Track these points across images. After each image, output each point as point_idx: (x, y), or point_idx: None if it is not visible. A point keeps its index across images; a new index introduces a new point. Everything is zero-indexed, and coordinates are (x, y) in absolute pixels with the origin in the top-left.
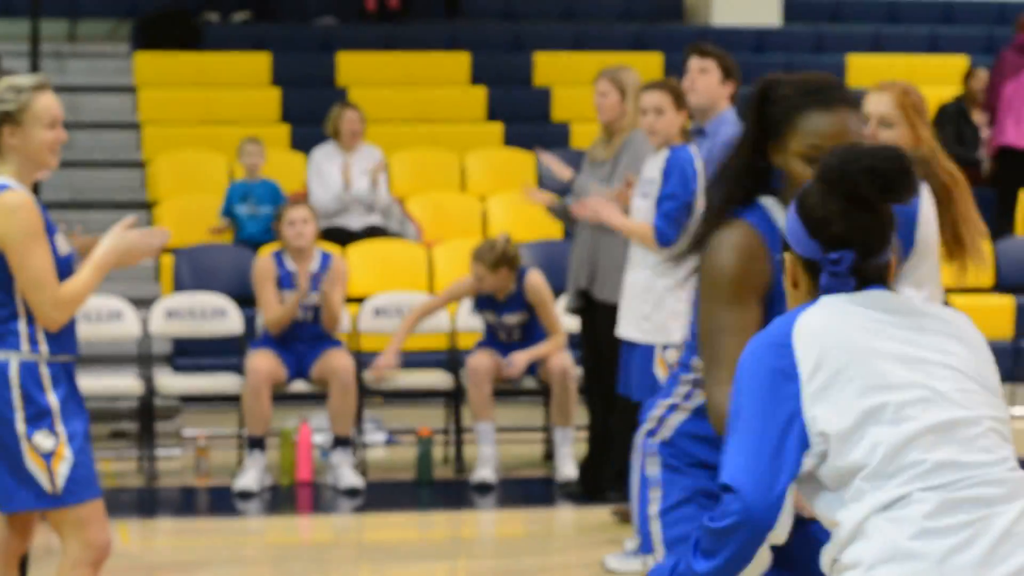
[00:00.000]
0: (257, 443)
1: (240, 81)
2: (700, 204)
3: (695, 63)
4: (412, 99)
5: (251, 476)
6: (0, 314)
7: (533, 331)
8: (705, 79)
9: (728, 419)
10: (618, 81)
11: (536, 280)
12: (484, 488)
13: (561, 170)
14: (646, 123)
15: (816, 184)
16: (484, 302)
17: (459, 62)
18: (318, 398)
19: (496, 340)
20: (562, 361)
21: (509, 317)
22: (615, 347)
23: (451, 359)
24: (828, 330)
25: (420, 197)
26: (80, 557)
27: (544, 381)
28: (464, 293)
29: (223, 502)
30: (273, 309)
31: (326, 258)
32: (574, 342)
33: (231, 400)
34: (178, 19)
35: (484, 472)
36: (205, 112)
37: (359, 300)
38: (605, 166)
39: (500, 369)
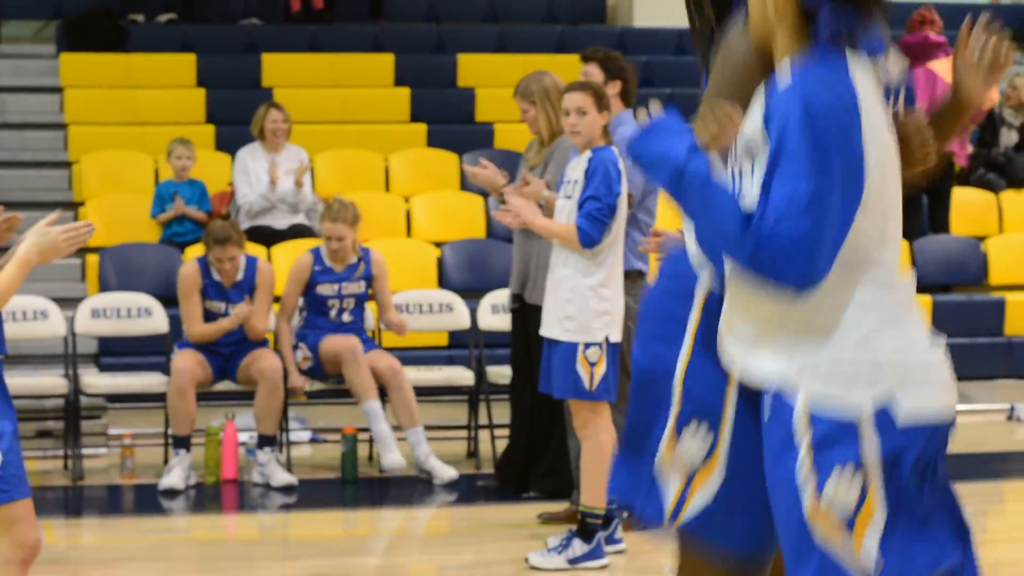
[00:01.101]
0: (182, 442)
1: (165, 82)
2: (623, 205)
3: (582, 70)
4: (337, 100)
5: (176, 475)
6: None
7: (359, 310)
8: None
9: None
10: (528, 94)
11: (378, 256)
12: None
13: (493, 180)
14: (568, 124)
15: None
16: (322, 275)
17: (383, 64)
18: (243, 396)
19: (324, 317)
20: (391, 361)
21: (349, 286)
22: None
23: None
24: None
25: (345, 197)
26: (10, 556)
27: (243, 382)
28: (303, 274)
29: (149, 501)
30: (196, 323)
31: (251, 264)
32: (503, 341)
33: (157, 399)
34: (104, 20)
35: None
36: (131, 113)
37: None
38: (536, 170)
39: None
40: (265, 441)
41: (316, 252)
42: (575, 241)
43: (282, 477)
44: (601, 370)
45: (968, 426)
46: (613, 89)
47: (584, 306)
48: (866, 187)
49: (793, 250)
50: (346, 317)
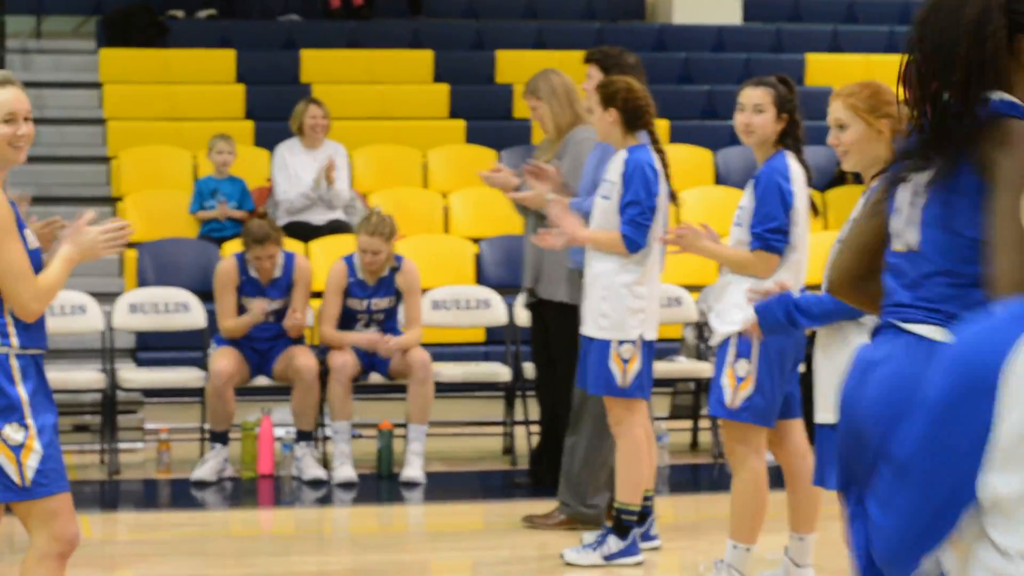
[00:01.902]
0: (219, 437)
1: (205, 78)
2: (663, 204)
3: (590, 73)
4: (375, 96)
5: (209, 467)
6: None
7: (391, 322)
8: (591, 85)
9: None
10: (536, 92)
11: (412, 267)
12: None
13: (507, 181)
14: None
15: None
16: (354, 288)
17: (422, 60)
18: (280, 391)
19: (353, 328)
20: (423, 355)
21: (378, 301)
22: (562, 342)
23: None
24: None
25: (383, 193)
26: (47, 549)
27: (396, 376)
28: (340, 281)
29: (185, 495)
30: (229, 318)
31: (289, 261)
32: (525, 338)
33: (193, 394)
34: (143, 16)
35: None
36: (170, 108)
37: (319, 295)
38: (550, 165)
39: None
40: (302, 436)
41: (349, 262)
42: (622, 248)
43: (313, 471)
44: (635, 367)
45: None
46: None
47: (618, 303)
48: None
49: None
50: (373, 328)
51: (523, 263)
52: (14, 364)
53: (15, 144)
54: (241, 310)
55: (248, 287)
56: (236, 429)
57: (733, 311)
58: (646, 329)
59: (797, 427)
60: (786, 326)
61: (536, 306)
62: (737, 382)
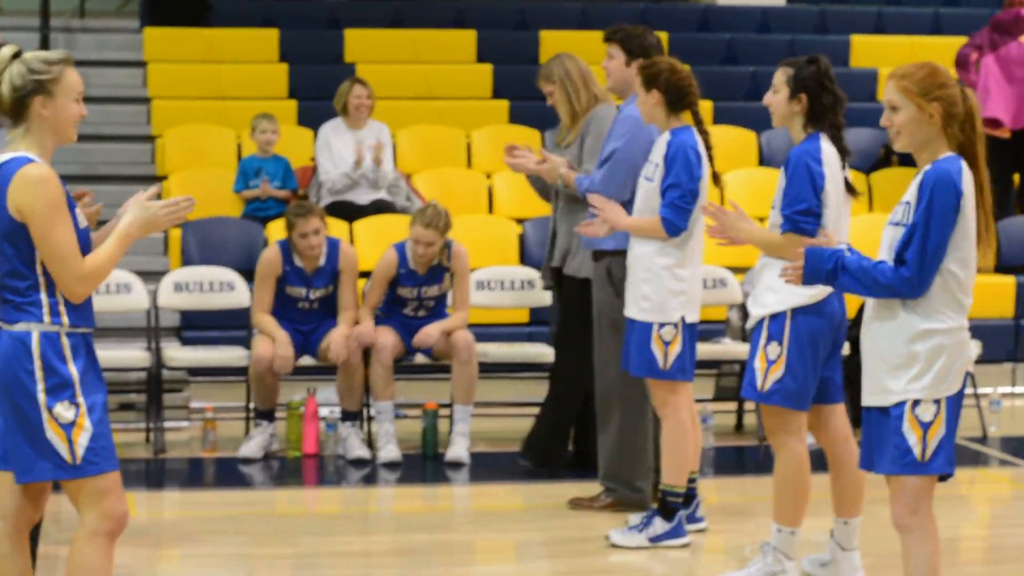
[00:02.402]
0: (265, 415)
1: (248, 57)
2: (704, 188)
3: (610, 53)
4: (419, 76)
5: (255, 443)
6: (21, 285)
7: (441, 307)
8: (612, 64)
9: None
10: (549, 77)
11: (462, 252)
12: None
13: (528, 164)
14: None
15: None
16: (403, 278)
17: (466, 40)
18: (325, 371)
19: (402, 314)
20: (467, 336)
21: (429, 289)
22: (579, 320)
23: None
24: None
25: (426, 173)
26: (97, 527)
27: (441, 357)
28: (389, 271)
29: (230, 474)
30: (265, 310)
31: (333, 249)
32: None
33: (238, 373)
34: None
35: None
36: (214, 87)
37: (366, 274)
38: (572, 147)
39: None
40: (347, 416)
41: (401, 252)
42: (662, 232)
43: (358, 451)
44: (676, 349)
45: None
46: (636, 68)
47: (659, 286)
48: None
49: None
50: (422, 313)
51: (549, 243)
52: (65, 342)
53: (78, 123)
54: (281, 299)
55: (292, 277)
56: (281, 408)
57: (767, 294)
58: (688, 311)
59: (838, 412)
60: (827, 278)
61: (557, 287)
62: (768, 365)
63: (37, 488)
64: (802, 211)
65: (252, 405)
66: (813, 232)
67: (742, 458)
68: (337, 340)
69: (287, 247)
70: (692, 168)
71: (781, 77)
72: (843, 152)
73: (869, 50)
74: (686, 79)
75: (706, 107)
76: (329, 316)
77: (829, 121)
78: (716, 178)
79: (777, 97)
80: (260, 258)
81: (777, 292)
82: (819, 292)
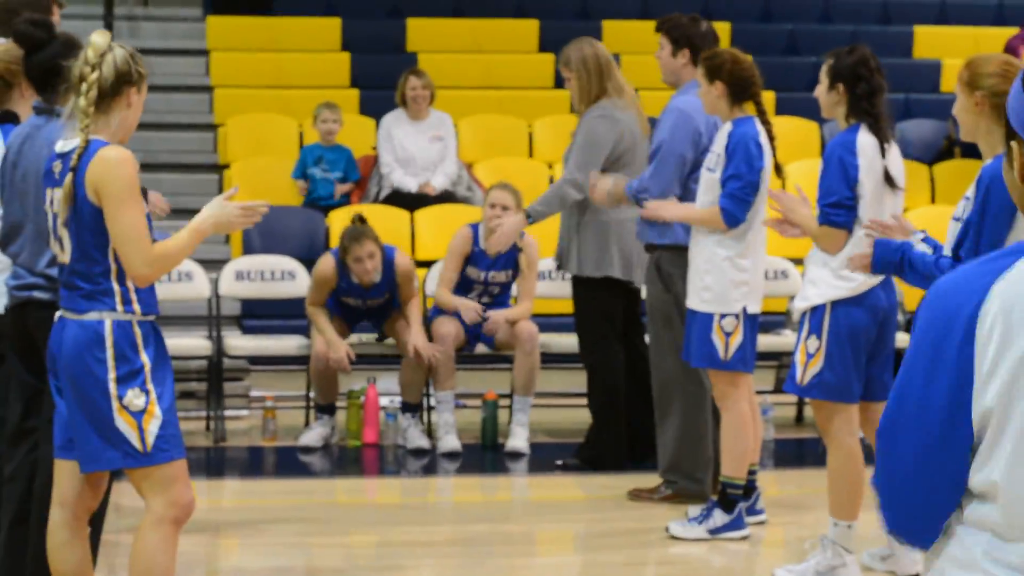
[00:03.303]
0: (326, 410)
1: (310, 46)
2: (766, 179)
3: (661, 43)
4: (481, 65)
5: (315, 433)
6: (94, 271)
7: (505, 296)
8: (662, 55)
9: None
10: (568, 63)
11: (532, 242)
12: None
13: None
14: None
15: None
16: (476, 257)
17: (528, 29)
18: (386, 360)
19: (466, 296)
20: (531, 327)
21: (496, 274)
22: (586, 316)
23: None
24: None
25: (488, 163)
26: (164, 515)
27: (502, 348)
28: (464, 247)
29: (290, 463)
30: (317, 306)
31: (389, 262)
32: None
33: (299, 362)
34: None
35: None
36: (276, 76)
37: (427, 264)
38: (570, 145)
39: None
40: (407, 408)
41: (475, 230)
42: (720, 223)
43: (420, 441)
44: (737, 340)
45: None
46: (683, 58)
47: (721, 277)
48: None
49: None
50: (486, 299)
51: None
52: (137, 331)
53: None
54: (341, 304)
55: (348, 290)
56: (342, 397)
57: (808, 287)
58: (749, 302)
59: (880, 410)
60: (895, 270)
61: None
62: (807, 358)
63: (96, 476)
64: (832, 203)
65: (313, 397)
66: (844, 224)
67: (802, 450)
68: (423, 345)
69: (341, 261)
70: (752, 159)
71: (824, 68)
72: (883, 140)
73: (932, 41)
74: (749, 70)
75: (768, 98)
76: (390, 310)
77: (866, 110)
78: (779, 169)
79: (820, 88)
80: (315, 267)
81: (817, 285)
82: (860, 284)
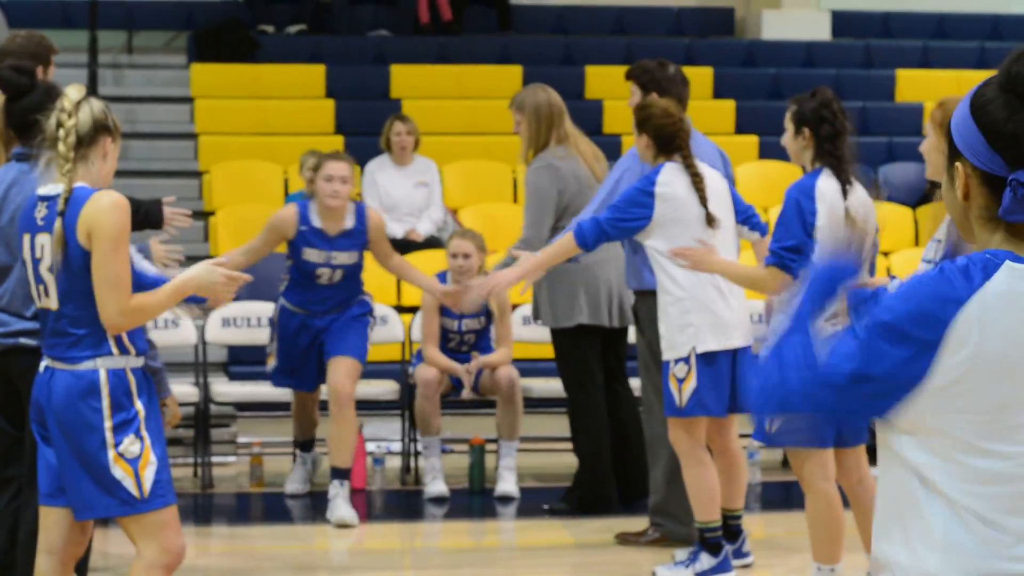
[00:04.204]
0: (303, 446)
1: (295, 93)
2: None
3: (631, 90)
4: (465, 111)
5: (297, 477)
6: (86, 316)
7: (483, 341)
8: (632, 101)
9: None
10: (521, 106)
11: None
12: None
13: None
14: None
15: (1000, 94)
16: (447, 309)
17: (511, 75)
18: (372, 407)
19: (445, 348)
20: (511, 372)
21: (469, 322)
22: (560, 366)
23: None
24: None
25: (473, 208)
26: (156, 561)
27: (485, 393)
28: (434, 300)
29: (278, 509)
30: (248, 255)
31: (360, 213)
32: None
33: (285, 408)
34: (234, 31)
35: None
36: (260, 123)
37: (413, 310)
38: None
39: (447, 381)
40: (337, 474)
41: (443, 278)
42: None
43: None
44: (690, 385)
45: None
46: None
47: (667, 322)
48: None
49: None
50: (464, 349)
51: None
52: (131, 378)
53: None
54: (303, 266)
55: (311, 237)
56: (325, 444)
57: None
58: (699, 342)
59: (852, 455)
60: None
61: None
62: None
63: (84, 523)
64: (790, 247)
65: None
66: (795, 271)
67: (789, 493)
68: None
69: (305, 206)
70: (627, 198)
71: (788, 115)
72: (845, 183)
73: (915, 84)
74: (675, 124)
75: (751, 142)
76: (348, 305)
77: (829, 152)
78: (711, 220)
79: (786, 136)
80: (274, 216)
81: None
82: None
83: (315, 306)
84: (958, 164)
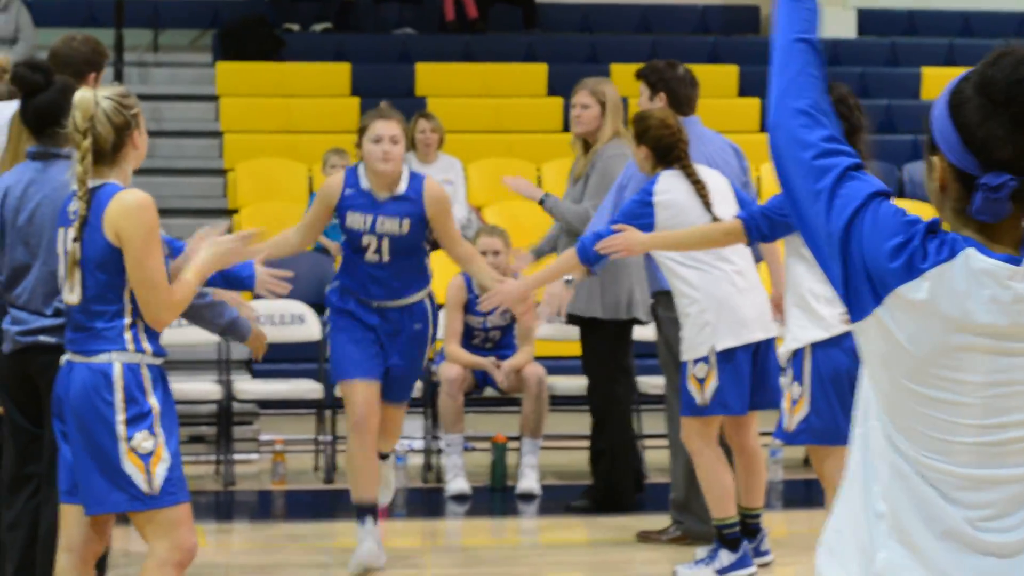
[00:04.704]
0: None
1: (320, 91)
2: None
3: (640, 90)
4: (490, 109)
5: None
6: (107, 311)
7: (507, 339)
8: (641, 100)
9: None
10: (599, 93)
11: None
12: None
13: (532, 191)
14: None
15: (975, 97)
16: (473, 304)
17: (536, 73)
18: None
19: (469, 345)
20: (538, 370)
21: (494, 319)
22: (584, 361)
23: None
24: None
25: (497, 207)
26: (167, 558)
27: (510, 391)
28: (459, 296)
29: (299, 506)
30: (302, 236)
31: (417, 182)
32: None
33: (308, 405)
34: (259, 29)
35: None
36: (285, 121)
37: (439, 308)
38: (580, 183)
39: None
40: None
41: (467, 278)
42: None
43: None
44: (712, 384)
45: None
46: (660, 102)
47: (687, 323)
48: None
49: None
50: (489, 345)
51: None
52: (146, 373)
53: None
54: (347, 232)
55: (357, 199)
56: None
57: (787, 333)
58: (718, 339)
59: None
60: None
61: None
62: (792, 404)
63: (103, 520)
64: (767, 215)
65: (320, 437)
66: (755, 239)
67: (810, 491)
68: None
69: (353, 171)
70: (631, 206)
71: None
72: None
73: (940, 82)
74: (674, 135)
75: None
76: (407, 303)
77: None
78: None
79: None
80: (324, 186)
81: (791, 330)
82: (836, 326)
83: (367, 290)
84: (935, 157)
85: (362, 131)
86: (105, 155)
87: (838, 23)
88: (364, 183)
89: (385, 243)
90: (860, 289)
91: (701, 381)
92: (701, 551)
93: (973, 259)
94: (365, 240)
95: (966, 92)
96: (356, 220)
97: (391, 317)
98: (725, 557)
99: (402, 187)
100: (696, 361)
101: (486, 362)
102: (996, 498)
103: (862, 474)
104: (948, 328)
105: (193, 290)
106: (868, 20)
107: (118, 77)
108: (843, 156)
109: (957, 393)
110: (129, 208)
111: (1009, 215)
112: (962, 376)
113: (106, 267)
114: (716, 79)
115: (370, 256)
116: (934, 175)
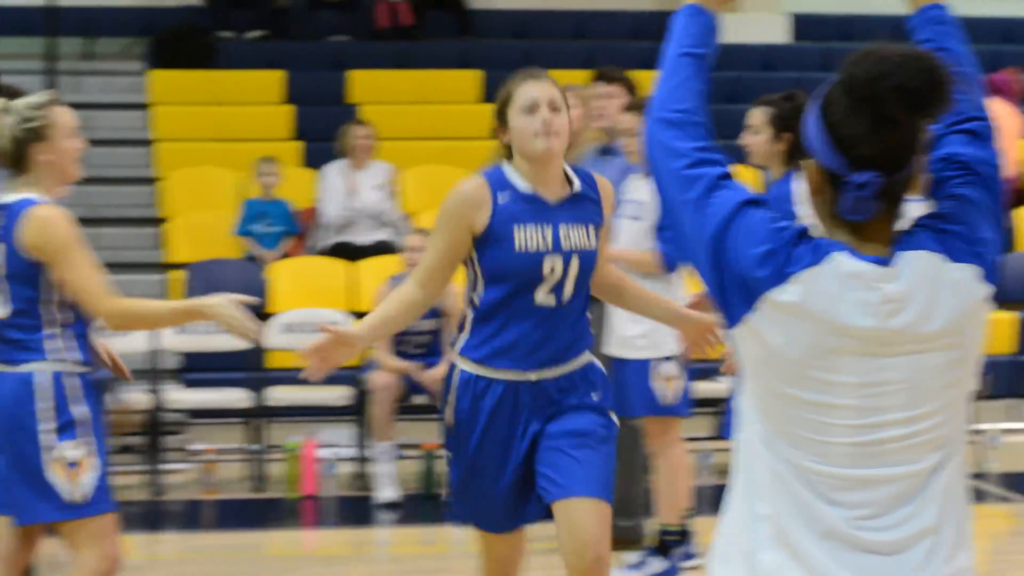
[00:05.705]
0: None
1: (253, 98)
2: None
3: (601, 89)
4: (424, 116)
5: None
6: (30, 324)
7: (435, 344)
8: (612, 104)
9: None
10: (583, 97)
11: (453, 290)
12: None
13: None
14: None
15: (841, 97)
16: None
17: (471, 80)
18: (323, 412)
19: (397, 351)
20: None
21: (423, 323)
22: None
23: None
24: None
25: (431, 213)
26: (96, 568)
27: (438, 397)
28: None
29: (229, 516)
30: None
31: (584, 172)
32: None
33: (239, 414)
34: (192, 37)
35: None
36: (218, 129)
37: (362, 315)
38: None
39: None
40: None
41: (396, 282)
42: (653, 267)
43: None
44: (680, 384)
45: None
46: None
47: (654, 322)
48: None
49: None
50: (417, 350)
51: None
52: (74, 383)
53: (78, 159)
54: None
55: (520, 208)
56: (278, 450)
57: None
58: (677, 344)
59: None
60: None
61: None
62: None
63: (29, 530)
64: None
65: (250, 446)
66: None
67: None
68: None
69: (497, 170)
70: None
71: (761, 117)
72: None
73: None
74: None
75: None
76: (575, 363)
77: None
78: None
79: (759, 138)
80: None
81: None
82: None
83: (526, 360)
84: (809, 161)
85: (504, 105)
86: (17, 169)
87: (773, 29)
88: (521, 183)
89: (573, 266)
90: (733, 296)
91: (670, 380)
92: (631, 556)
93: (842, 262)
94: (548, 261)
95: (834, 93)
96: (530, 238)
97: (554, 396)
98: (656, 564)
99: (576, 182)
100: (666, 359)
101: (411, 369)
102: (875, 497)
103: (744, 478)
104: (820, 331)
105: (162, 318)
106: (803, 26)
107: (50, 86)
108: (714, 166)
109: (831, 395)
110: (38, 223)
111: (879, 215)
112: (835, 378)
113: (29, 280)
114: (651, 85)
115: (543, 297)
116: (807, 178)
